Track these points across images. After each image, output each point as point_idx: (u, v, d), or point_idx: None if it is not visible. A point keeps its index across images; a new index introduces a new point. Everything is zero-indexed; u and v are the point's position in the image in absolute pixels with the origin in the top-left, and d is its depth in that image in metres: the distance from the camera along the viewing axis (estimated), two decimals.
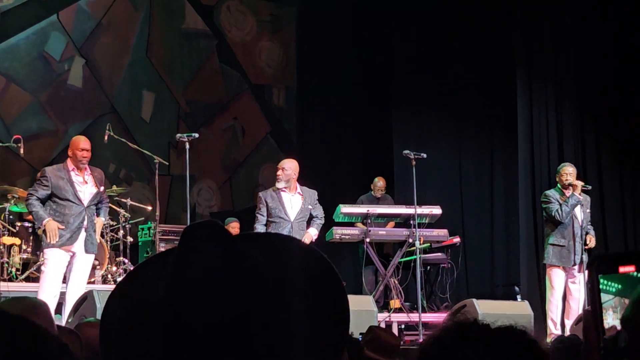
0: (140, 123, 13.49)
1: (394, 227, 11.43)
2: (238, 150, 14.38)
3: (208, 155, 13.57)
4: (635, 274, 1.60)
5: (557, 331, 9.20)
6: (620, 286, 1.61)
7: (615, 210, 11.58)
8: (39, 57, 12.81)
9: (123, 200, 11.05)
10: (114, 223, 10.66)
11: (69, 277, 8.26)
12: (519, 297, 11.08)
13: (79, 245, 8.20)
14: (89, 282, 8.77)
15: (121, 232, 10.77)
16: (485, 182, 13.30)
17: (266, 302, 1.32)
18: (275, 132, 14.67)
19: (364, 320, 7.65)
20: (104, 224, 9.24)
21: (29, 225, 9.95)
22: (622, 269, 1.60)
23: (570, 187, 9.43)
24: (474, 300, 8.97)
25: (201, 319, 1.30)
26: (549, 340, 8.31)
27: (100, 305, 7.45)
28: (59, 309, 8.16)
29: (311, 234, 9.06)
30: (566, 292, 9.43)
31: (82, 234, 8.20)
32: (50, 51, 12.87)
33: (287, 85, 14.84)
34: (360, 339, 5.07)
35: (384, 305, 10.89)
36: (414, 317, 9.91)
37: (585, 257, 9.37)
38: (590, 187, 9.88)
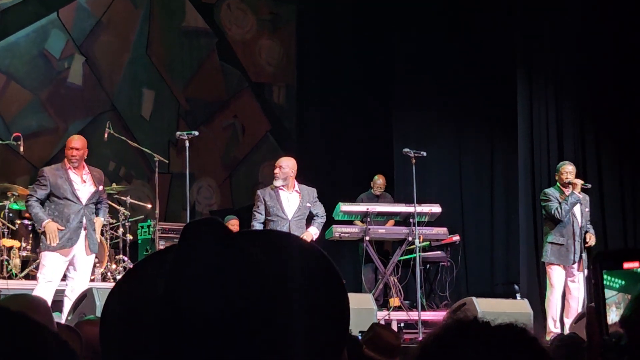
0: (140, 121, 13.48)
1: (394, 225, 11.43)
2: (238, 148, 14.38)
3: (208, 153, 13.56)
4: (639, 270, 1.60)
5: (557, 329, 9.20)
6: (624, 282, 1.61)
7: (616, 209, 11.58)
8: (39, 55, 12.80)
9: (123, 198, 11.05)
10: (114, 221, 10.66)
11: (69, 275, 8.26)
12: (518, 295, 11.09)
13: (79, 245, 8.20)
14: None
15: (121, 230, 10.78)
16: (485, 180, 13.30)
17: (266, 300, 1.32)
18: (275, 131, 14.66)
19: (364, 319, 7.66)
20: (103, 224, 9.23)
21: (29, 223, 9.95)
22: (626, 265, 1.60)
23: (570, 186, 9.43)
24: (474, 298, 8.98)
25: (201, 316, 1.30)
26: (548, 338, 8.31)
27: (99, 303, 7.45)
28: (58, 307, 8.16)
29: (311, 233, 9.03)
30: (565, 291, 9.43)
31: (82, 234, 8.20)
32: (50, 49, 12.87)
33: (287, 83, 14.84)
34: (359, 337, 5.06)
35: (383, 304, 10.89)
36: (414, 315, 9.92)
37: (584, 256, 9.37)
38: (590, 186, 9.88)
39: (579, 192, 9.44)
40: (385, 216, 11.29)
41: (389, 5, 13.68)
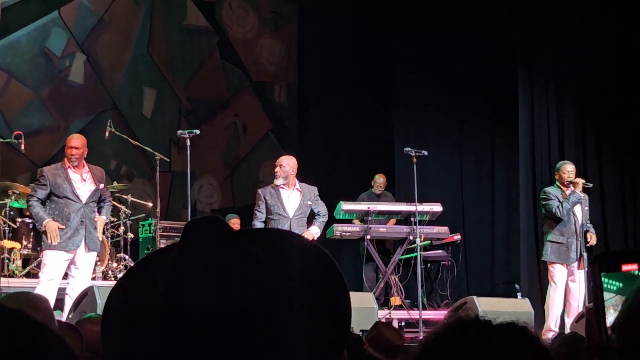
0: (142, 119, 13.49)
1: (395, 224, 11.43)
2: (239, 147, 14.38)
3: (209, 152, 13.56)
4: (637, 272, 1.59)
5: (556, 328, 9.18)
6: (621, 284, 1.60)
7: (616, 209, 11.58)
8: (41, 53, 12.81)
9: (124, 196, 11.06)
10: (115, 219, 10.66)
11: (70, 273, 8.26)
12: (519, 294, 11.09)
13: (80, 244, 8.21)
14: None
15: (122, 228, 10.78)
16: (486, 180, 13.31)
17: (266, 299, 1.32)
18: (277, 129, 14.67)
19: (365, 317, 7.66)
20: (105, 222, 9.23)
21: (30, 221, 9.95)
22: (625, 267, 1.59)
23: (571, 185, 9.42)
24: (475, 297, 8.97)
25: (202, 315, 1.30)
26: (548, 336, 8.30)
27: (100, 301, 7.45)
28: (59, 306, 8.16)
29: (312, 232, 9.01)
30: (566, 290, 9.42)
31: (83, 233, 8.20)
32: (51, 47, 12.87)
33: (288, 82, 14.84)
34: (360, 335, 5.05)
35: (384, 303, 10.90)
36: (414, 314, 9.92)
37: (585, 255, 9.36)
38: (591, 185, 9.88)
39: (580, 192, 9.44)
40: (386, 215, 11.29)
41: (389, 5, 13.68)
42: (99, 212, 8.51)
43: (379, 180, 12.13)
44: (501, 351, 1.37)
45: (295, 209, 8.99)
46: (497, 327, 1.40)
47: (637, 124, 11.63)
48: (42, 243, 8.30)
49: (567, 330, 8.63)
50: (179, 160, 12.24)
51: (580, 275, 9.33)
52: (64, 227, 8.10)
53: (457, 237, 11.65)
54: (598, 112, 11.87)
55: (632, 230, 11.56)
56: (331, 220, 10.38)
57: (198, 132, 9.59)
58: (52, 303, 7.89)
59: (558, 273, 9.37)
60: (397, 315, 10.29)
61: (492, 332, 1.39)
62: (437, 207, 10.89)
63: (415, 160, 9.98)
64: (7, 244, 9.78)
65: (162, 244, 10.31)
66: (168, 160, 11.51)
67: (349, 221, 11.09)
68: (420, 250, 10.25)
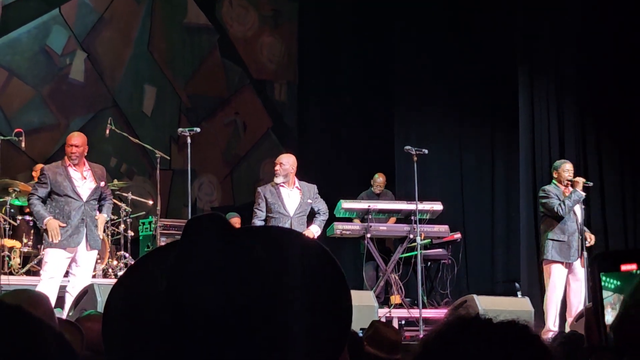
0: (142, 117, 13.49)
1: (395, 222, 11.43)
2: (239, 145, 14.38)
3: (209, 150, 13.56)
4: (636, 271, 1.59)
5: (555, 328, 9.17)
6: (619, 283, 1.60)
7: (616, 208, 11.58)
8: (41, 51, 12.81)
9: (124, 194, 11.05)
10: (115, 217, 10.65)
11: (71, 271, 8.27)
12: (519, 293, 11.09)
13: (81, 242, 8.21)
14: None
15: (122, 226, 10.78)
16: (486, 178, 13.32)
17: (267, 297, 1.32)
18: (277, 127, 14.67)
19: (365, 316, 7.65)
20: (106, 220, 9.23)
21: (30, 219, 9.96)
22: (623, 267, 1.60)
23: (571, 184, 9.40)
24: (475, 296, 8.97)
25: (202, 313, 1.30)
26: (548, 336, 8.30)
27: (100, 299, 7.46)
28: (60, 303, 8.17)
29: (312, 231, 9.00)
30: (567, 289, 9.41)
31: (84, 231, 8.20)
32: (52, 45, 12.87)
33: (288, 80, 14.84)
34: (360, 333, 5.06)
35: (384, 301, 10.90)
36: (415, 312, 9.92)
37: (585, 254, 9.35)
38: (592, 184, 9.87)
39: (581, 190, 9.43)
40: (387, 214, 11.29)
41: (389, 5, 13.68)
42: (100, 210, 8.50)
43: (379, 179, 12.13)
44: (502, 349, 1.37)
45: (296, 207, 8.98)
46: (498, 326, 1.40)
47: (637, 123, 11.63)
48: (43, 241, 8.31)
49: (567, 328, 8.63)
50: (179, 158, 12.25)
51: (581, 274, 9.32)
52: (64, 225, 8.10)
53: (457, 235, 11.66)
54: (598, 112, 11.87)
55: (632, 230, 11.56)
56: (331, 219, 10.38)
57: (198, 130, 9.59)
58: (53, 301, 7.90)
59: (557, 273, 9.35)
60: (397, 313, 10.29)
61: (493, 330, 1.39)
62: (438, 206, 10.89)
63: (415, 158, 9.97)
64: (8, 242, 9.78)
65: (162, 241, 10.31)
66: (168, 158, 11.50)
67: (349, 220, 11.09)
68: (420, 249, 10.24)
